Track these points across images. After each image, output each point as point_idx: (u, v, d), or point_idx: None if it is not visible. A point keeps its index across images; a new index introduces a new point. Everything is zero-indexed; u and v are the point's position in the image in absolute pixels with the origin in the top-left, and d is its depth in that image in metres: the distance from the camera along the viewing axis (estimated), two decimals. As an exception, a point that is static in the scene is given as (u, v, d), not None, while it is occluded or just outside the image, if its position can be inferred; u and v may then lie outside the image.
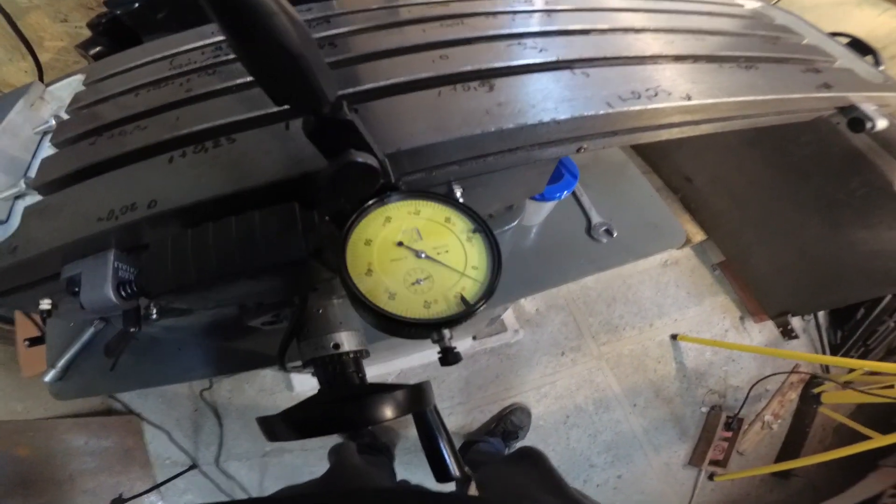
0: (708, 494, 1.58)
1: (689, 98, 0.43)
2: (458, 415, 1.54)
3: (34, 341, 0.75)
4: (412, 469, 1.44)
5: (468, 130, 0.38)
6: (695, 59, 0.51)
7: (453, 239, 0.36)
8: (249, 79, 0.45)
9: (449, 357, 0.34)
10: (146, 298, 0.41)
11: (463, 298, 0.33)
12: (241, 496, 1.44)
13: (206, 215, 0.36)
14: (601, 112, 0.41)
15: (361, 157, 0.29)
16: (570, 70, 0.45)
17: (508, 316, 1.67)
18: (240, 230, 0.34)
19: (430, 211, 0.37)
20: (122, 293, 0.39)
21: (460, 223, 0.37)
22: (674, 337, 1.69)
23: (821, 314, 1.71)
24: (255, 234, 0.33)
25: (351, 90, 0.42)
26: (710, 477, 1.57)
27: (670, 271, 1.80)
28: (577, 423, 1.59)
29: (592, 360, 1.66)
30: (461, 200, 0.47)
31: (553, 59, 0.46)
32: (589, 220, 0.84)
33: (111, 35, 0.71)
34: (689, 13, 0.62)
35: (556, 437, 1.57)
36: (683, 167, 1.66)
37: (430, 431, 0.45)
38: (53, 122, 0.47)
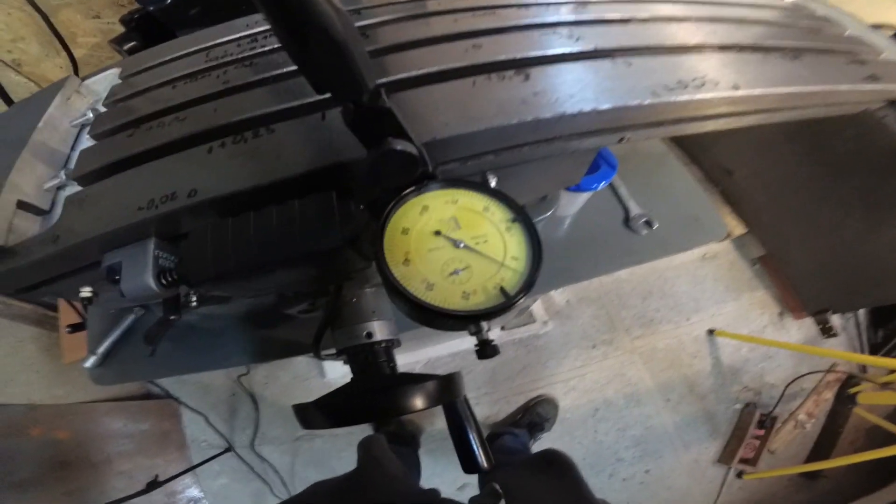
0: (735, 493, 1.54)
1: (736, 88, 0.41)
2: (484, 405, 1.54)
3: (75, 327, 0.78)
4: (436, 457, 1.45)
5: (504, 120, 0.37)
6: (739, 48, 0.48)
7: (492, 228, 0.35)
8: (286, 70, 0.44)
9: (487, 350, 0.33)
10: (186, 286, 0.41)
11: (502, 290, 0.32)
12: (274, 479, 1.48)
13: (245, 205, 0.36)
14: (646, 102, 0.39)
15: (401, 145, 0.28)
16: (610, 59, 0.43)
17: (537, 307, 1.65)
18: (280, 220, 0.34)
19: (468, 200, 0.36)
20: (163, 281, 0.39)
21: (499, 212, 0.36)
22: (710, 332, 1.64)
23: (861, 312, 1.65)
24: (293, 224, 0.33)
25: (384, 80, 0.41)
26: (739, 475, 1.53)
27: (708, 265, 1.74)
28: (606, 416, 1.56)
29: (625, 353, 1.62)
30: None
31: (591, 48, 0.45)
32: (627, 212, 0.81)
33: (144, 31, 0.72)
34: (730, 4, 0.59)
35: (584, 429, 1.55)
36: (724, 160, 1.61)
37: (459, 422, 0.45)
38: (91, 114, 0.47)
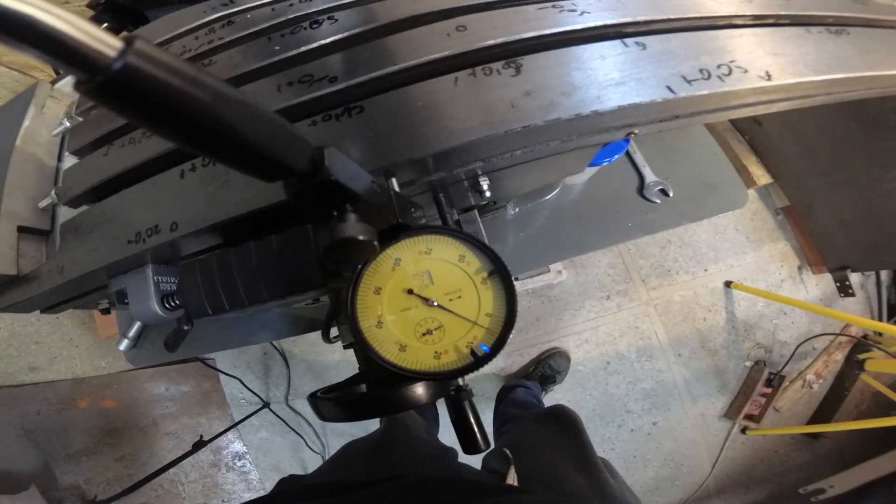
0: (738, 447, 1.59)
1: (768, 77, 0.35)
2: (498, 357, 1.57)
3: (105, 310, 0.82)
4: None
5: (489, 131, 0.33)
6: (776, 19, 0.41)
7: (467, 282, 0.33)
8: (255, 67, 0.41)
9: (461, 394, 0.34)
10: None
11: (473, 351, 0.32)
12: (308, 431, 1.60)
13: (229, 234, 0.36)
14: (660, 99, 0.33)
15: (350, 231, 0.24)
16: (620, 40, 0.36)
17: (552, 256, 1.62)
18: (259, 257, 0.33)
19: (443, 249, 0.34)
20: (167, 305, 0.41)
21: (476, 262, 0.34)
22: (727, 284, 1.60)
23: (883, 273, 1.58)
24: (273, 262, 0.33)
25: (354, 81, 0.37)
26: (743, 430, 1.56)
27: (731, 214, 1.65)
28: (618, 369, 1.59)
29: (640, 305, 1.60)
30: (488, 193, 0.43)
31: (599, 23, 0.38)
32: (642, 179, 0.77)
33: (113, 13, 0.67)
34: None
35: (595, 382, 1.59)
36: (752, 110, 1.48)
37: (459, 408, 0.47)
38: (68, 123, 0.46)
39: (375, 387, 0.46)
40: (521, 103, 0.34)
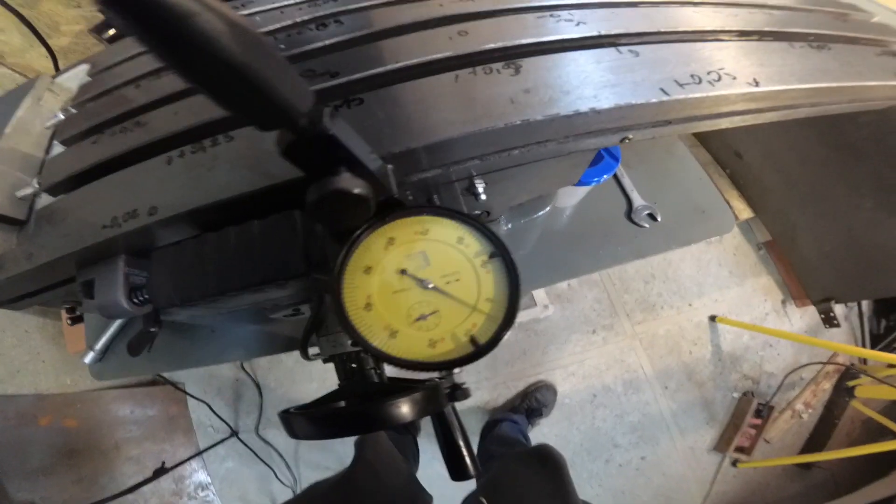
0: (729, 481, 1.55)
1: (756, 84, 0.37)
2: (484, 390, 1.54)
3: (75, 320, 0.78)
4: (436, 441, 1.46)
5: (489, 124, 0.33)
6: (761, 35, 0.43)
7: (466, 265, 0.31)
8: None
9: (456, 394, 0.31)
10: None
11: (473, 338, 0.29)
12: (279, 462, 1.51)
13: (209, 221, 0.34)
14: (654, 100, 0.34)
15: (345, 183, 0.23)
16: (614, 48, 0.38)
17: (538, 291, 1.63)
18: (238, 242, 0.31)
19: (440, 230, 0.32)
20: (135, 300, 0.38)
21: (475, 245, 0.31)
22: (712, 318, 1.61)
23: (865, 302, 1.61)
24: (253, 247, 0.31)
25: (357, 76, 0.38)
26: (734, 463, 1.53)
27: (714, 249, 1.69)
28: (605, 402, 1.56)
29: (625, 339, 1.60)
30: (483, 197, 0.43)
31: (593, 33, 0.40)
32: (630, 203, 0.78)
33: None
34: None
35: (582, 415, 1.55)
36: (734, 142, 1.55)
37: (447, 430, 0.44)
38: (62, 116, 0.45)
39: (356, 402, 0.43)
40: (520, 99, 0.35)
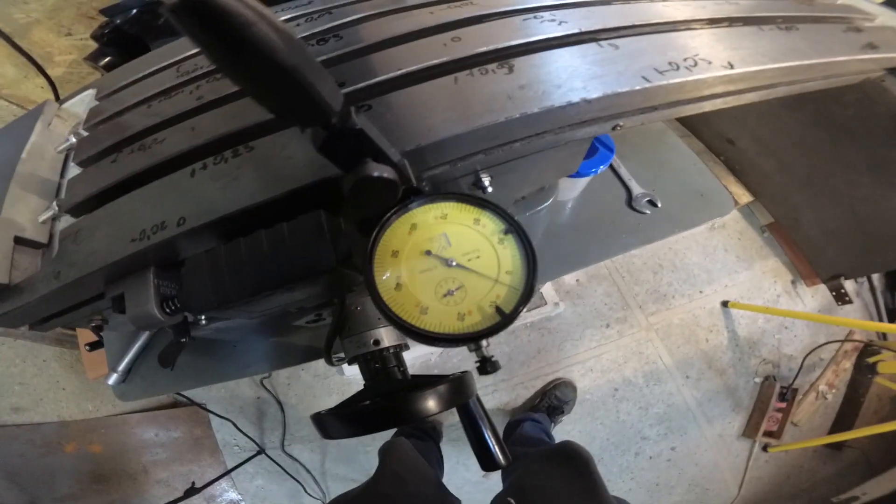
0: (762, 466, 1.54)
1: (731, 66, 0.40)
2: (502, 392, 1.54)
3: (93, 346, 0.80)
4: (459, 447, 1.46)
5: (490, 119, 0.36)
6: (730, 21, 0.46)
7: (484, 242, 0.34)
8: None
9: (487, 366, 0.33)
10: (190, 314, 0.42)
11: (498, 308, 0.31)
12: (307, 478, 1.51)
13: (237, 228, 0.36)
14: (637, 87, 0.37)
15: (377, 171, 0.26)
16: (595, 42, 0.41)
17: (547, 289, 1.63)
18: (270, 244, 0.34)
19: (458, 213, 0.35)
20: (167, 309, 0.40)
21: (490, 224, 0.35)
22: (725, 304, 1.61)
23: (875, 277, 1.60)
24: (285, 247, 0.33)
25: (362, 84, 0.40)
26: (765, 448, 1.52)
27: (718, 235, 1.70)
28: (627, 396, 1.55)
29: (641, 331, 1.60)
30: (490, 189, 0.45)
31: (575, 30, 0.43)
32: (629, 192, 0.79)
33: (117, 44, 0.70)
34: None
35: (605, 410, 1.54)
36: (724, 130, 1.56)
37: (474, 422, 0.45)
38: (74, 139, 0.47)
39: (382, 399, 0.44)
40: (517, 94, 0.37)
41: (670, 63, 0.39)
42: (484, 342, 0.32)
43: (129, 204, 0.39)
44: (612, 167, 0.81)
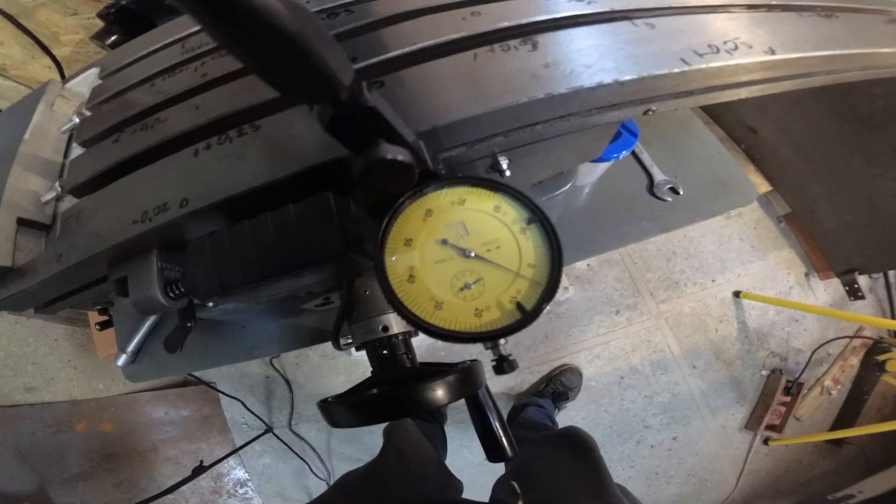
0: (761, 459, 1.54)
1: (772, 52, 0.36)
2: (507, 376, 1.52)
3: (103, 325, 0.80)
4: (463, 429, 1.48)
5: (512, 99, 0.33)
6: (769, 7, 0.42)
7: (505, 232, 0.31)
8: None
9: (504, 366, 0.31)
10: (195, 299, 0.40)
11: (519, 305, 0.29)
12: (313, 456, 1.54)
13: (242, 210, 0.34)
14: (675, 70, 0.34)
15: (391, 153, 0.24)
16: (629, 21, 0.38)
17: (557, 272, 1.61)
18: (276, 227, 0.32)
19: (476, 199, 0.32)
20: (171, 294, 0.39)
21: (512, 212, 0.32)
22: (737, 294, 1.58)
23: (891, 273, 1.57)
24: (291, 231, 0.31)
25: (374, 60, 0.37)
26: (765, 441, 1.53)
27: (734, 224, 1.66)
28: (633, 384, 1.54)
29: (650, 318, 1.57)
30: (508, 173, 0.42)
31: (606, 9, 0.39)
32: (651, 178, 0.76)
33: (123, 23, 0.68)
34: None
35: (610, 397, 1.54)
36: (747, 118, 1.51)
37: (482, 412, 0.44)
38: (77, 119, 0.46)
39: (390, 388, 0.43)
40: (542, 73, 0.34)
41: (710, 45, 0.36)
42: (502, 340, 0.30)
43: (131, 185, 0.37)
44: (634, 152, 0.78)
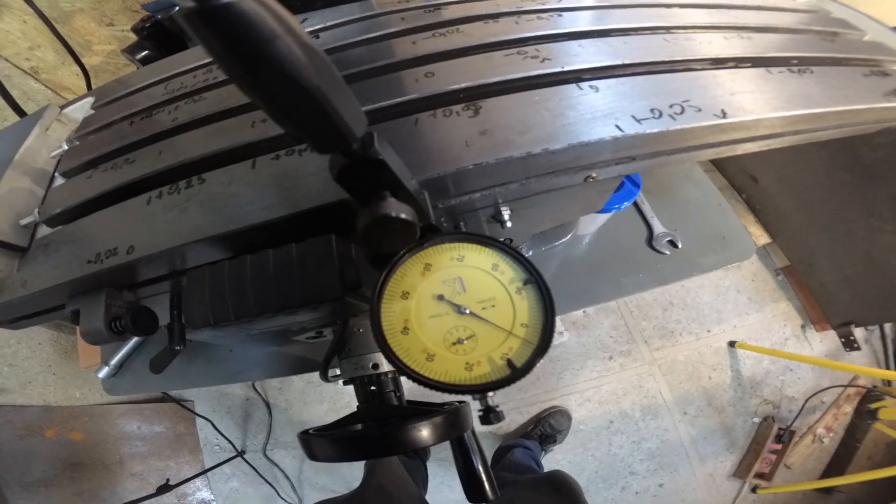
0: None
1: (723, 115, 0.35)
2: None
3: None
4: (446, 467, 1.43)
5: (443, 168, 0.33)
6: (737, 62, 0.42)
7: (501, 291, 0.31)
8: (234, 105, 0.41)
9: (490, 417, 0.31)
10: (189, 328, 0.40)
11: (510, 362, 0.29)
12: (284, 483, 1.48)
13: (246, 244, 0.34)
14: (607, 137, 0.33)
15: (395, 210, 0.24)
16: (575, 84, 0.37)
17: (554, 318, 1.60)
18: (276, 265, 0.32)
19: (476, 256, 0.32)
20: (114, 329, 0.40)
21: (510, 272, 0.32)
22: (732, 344, 1.57)
23: (887, 325, 1.56)
24: (291, 270, 0.31)
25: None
26: (753, 490, 1.49)
27: (732, 275, 1.66)
28: (622, 429, 1.51)
29: (644, 365, 1.56)
30: (509, 224, 0.42)
31: (556, 69, 0.39)
32: (651, 230, 0.76)
33: (156, 39, 0.68)
34: (733, 7, 0.52)
35: (597, 441, 1.51)
36: (749, 166, 1.53)
37: (466, 454, 0.44)
38: (66, 146, 0.47)
39: (375, 425, 0.42)
40: (475, 141, 0.34)
41: (652, 110, 0.35)
42: (490, 393, 0.30)
43: (92, 224, 0.38)
44: (635, 202, 0.78)
